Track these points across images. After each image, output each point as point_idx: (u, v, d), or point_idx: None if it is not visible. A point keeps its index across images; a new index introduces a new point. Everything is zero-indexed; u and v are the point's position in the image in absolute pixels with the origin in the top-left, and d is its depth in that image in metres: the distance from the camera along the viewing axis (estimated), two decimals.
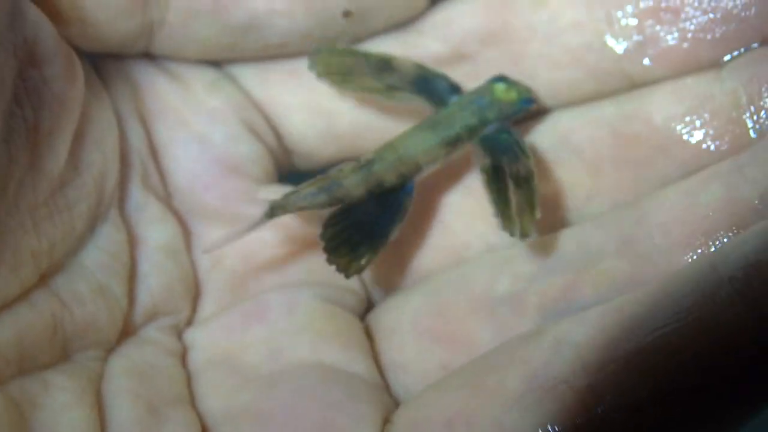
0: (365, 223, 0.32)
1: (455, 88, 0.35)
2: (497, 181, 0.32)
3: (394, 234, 0.33)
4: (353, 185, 0.32)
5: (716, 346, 0.26)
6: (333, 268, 0.32)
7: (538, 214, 0.31)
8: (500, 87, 0.34)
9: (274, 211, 0.32)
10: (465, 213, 0.35)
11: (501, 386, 0.28)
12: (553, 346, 0.28)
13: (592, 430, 0.27)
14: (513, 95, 0.34)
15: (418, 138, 0.33)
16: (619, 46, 0.34)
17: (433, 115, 0.34)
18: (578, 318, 0.29)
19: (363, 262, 0.32)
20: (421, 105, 0.35)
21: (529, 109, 0.34)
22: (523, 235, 0.31)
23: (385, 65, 0.35)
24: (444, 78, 0.35)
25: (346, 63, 0.35)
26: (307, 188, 0.32)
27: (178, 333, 0.33)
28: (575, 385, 0.27)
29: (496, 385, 0.28)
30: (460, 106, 0.34)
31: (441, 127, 0.34)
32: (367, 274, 0.35)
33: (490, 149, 0.33)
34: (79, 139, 0.31)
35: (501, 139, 0.34)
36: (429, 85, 0.35)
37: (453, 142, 0.33)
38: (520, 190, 0.32)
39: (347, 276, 0.32)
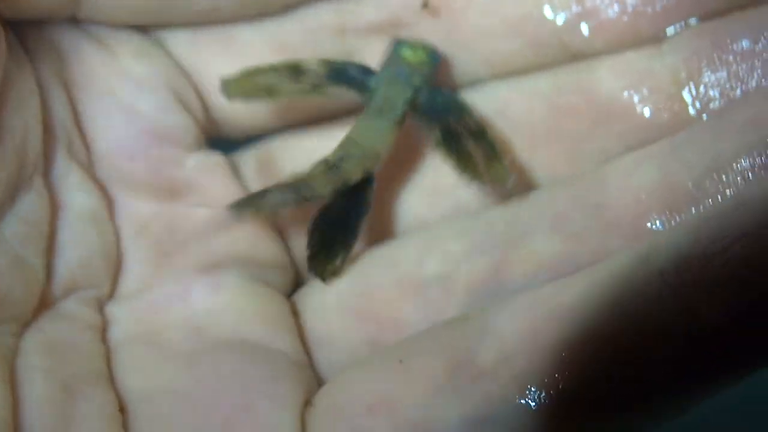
0: (336, 221, 0.32)
1: (367, 69, 0.34)
2: (451, 144, 0.32)
3: (363, 228, 0.32)
4: (322, 186, 0.31)
5: (646, 340, 0.25)
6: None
7: (506, 160, 0.31)
8: (407, 52, 0.33)
9: (239, 211, 0.31)
10: (395, 187, 0.34)
11: (425, 373, 0.28)
12: (478, 334, 0.28)
13: (516, 422, 0.26)
14: (422, 55, 0.33)
15: (371, 128, 0.33)
16: (557, 18, 0.33)
17: (370, 102, 0.33)
18: (505, 306, 0.28)
19: (338, 262, 0.32)
20: (346, 93, 0.33)
21: (439, 63, 0.34)
22: (501, 181, 0.31)
23: (295, 69, 0.33)
24: (352, 64, 0.34)
25: (259, 80, 0.33)
26: (276, 191, 0.31)
27: (99, 307, 0.32)
28: (499, 376, 0.27)
29: (419, 372, 0.28)
30: (388, 84, 0.33)
31: (386, 110, 0.33)
32: (295, 246, 0.34)
33: (432, 115, 0.33)
34: None
35: (438, 103, 0.33)
36: (344, 74, 0.34)
37: (401, 121, 0.33)
38: (479, 143, 0.32)
39: (325, 280, 0.32)
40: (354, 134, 0.33)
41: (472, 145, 0.32)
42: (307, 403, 0.30)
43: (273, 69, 0.33)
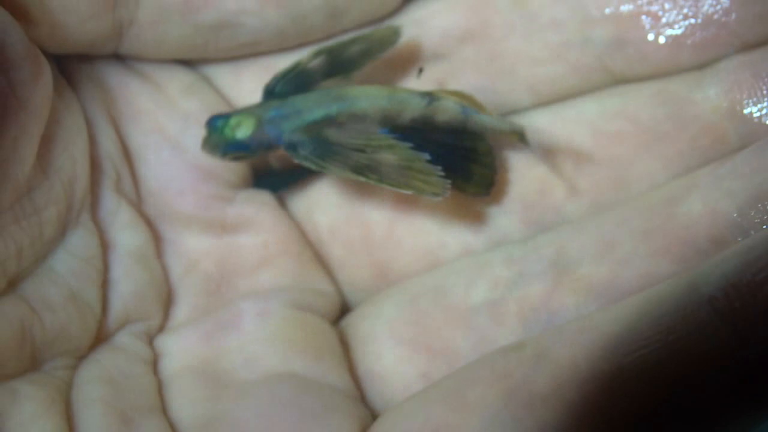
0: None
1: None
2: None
3: None
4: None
5: (697, 367, 0.26)
6: None
7: None
8: (228, 127, 0.33)
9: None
10: (439, 212, 0.34)
11: (481, 401, 0.28)
12: (534, 361, 0.28)
13: None
14: (240, 119, 0.33)
15: (361, 95, 0.33)
16: (599, 46, 0.34)
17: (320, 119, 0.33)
18: (558, 334, 0.28)
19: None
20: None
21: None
22: None
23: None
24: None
25: None
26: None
27: (150, 339, 0.33)
28: (553, 404, 0.27)
29: (476, 400, 0.28)
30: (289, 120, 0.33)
31: (323, 97, 0.33)
32: (341, 277, 0.35)
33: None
34: (46, 143, 0.30)
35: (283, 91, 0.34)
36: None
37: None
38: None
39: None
40: (378, 105, 0.33)
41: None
42: None
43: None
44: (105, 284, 0.32)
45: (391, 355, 0.33)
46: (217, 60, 0.35)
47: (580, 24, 0.34)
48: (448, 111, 0.33)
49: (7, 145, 0.29)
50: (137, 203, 0.34)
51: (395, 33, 0.34)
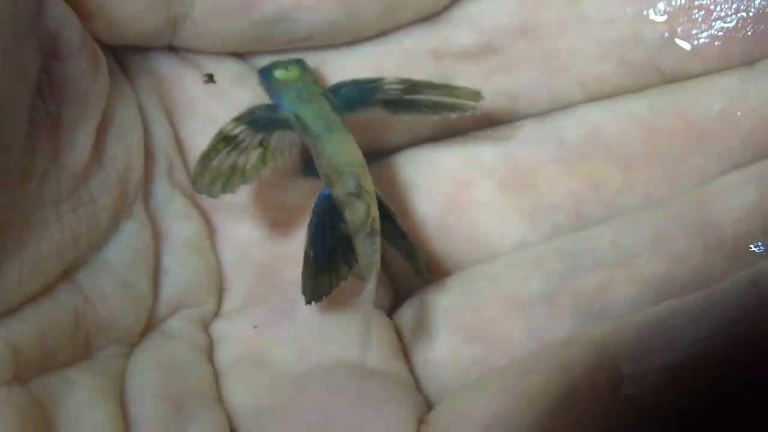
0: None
1: (270, 105, 0.33)
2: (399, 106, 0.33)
3: None
4: (377, 219, 0.31)
5: (760, 360, 0.26)
6: None
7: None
8: (283, 73, 0.33)
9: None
10: (494, 206, 0.34)
11: (542, 392, 0.28)
12: (595, 353, 0.28)
13: None
14: (295, 68, 0.34)
15: (335, 143, 0.32)
16: (651, 43, 0.34)
17: (309, 128, 0.32)
18: (619, 326, 0.29)
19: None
20: (293, 135, 0.33)
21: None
22: (475, 100, 0.33)
23: (227, 139, 0.32)
24: (257, 107, 0.33)
25: (220, 165, 0.31)
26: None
27: (204, 326, 0.33)
28: (616, 396, 0.27)
29: (537, 391, 0.28)
30: (301, 106, 0.33)
31: (329, 124, 0.32)
32: (396, 268, 0.35)
33: (358, 102, 0.33)
34: (102, 133, 0.31)
35: (349, 91, 0.33)
36: (265, 120, 0.32)
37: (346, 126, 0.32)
38: (423, 89, 0.33)
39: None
40: (332, 161, 0.31)
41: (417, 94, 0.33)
42: (421, 422, 0.30)
43: (215, 149, 0.31)
44: (157, 273, 0.32)
45: (445, 344, 0.33)
46: (269, 53, 0.35)
47: (632, 21, 0.34)
48: None
49: (65, 134, 0.29)
50: (191, 193, 0.33)
51: (475, 95, 0.33)
